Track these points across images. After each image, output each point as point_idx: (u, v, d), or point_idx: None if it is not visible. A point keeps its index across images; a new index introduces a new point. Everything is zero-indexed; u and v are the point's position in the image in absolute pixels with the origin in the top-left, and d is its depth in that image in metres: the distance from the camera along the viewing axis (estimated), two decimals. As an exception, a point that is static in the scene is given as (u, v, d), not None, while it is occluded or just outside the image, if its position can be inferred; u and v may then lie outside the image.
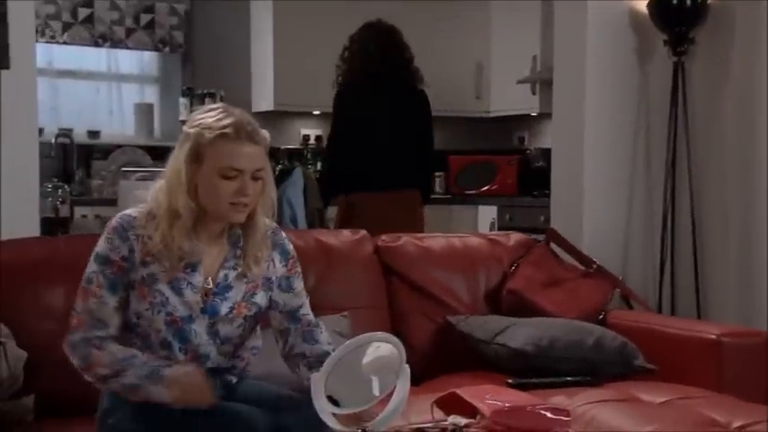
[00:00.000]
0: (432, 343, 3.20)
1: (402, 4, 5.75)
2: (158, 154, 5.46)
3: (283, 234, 2.35)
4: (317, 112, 6.22)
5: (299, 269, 2.35)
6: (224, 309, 2.22)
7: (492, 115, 6.55)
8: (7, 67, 3.33)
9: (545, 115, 5.86)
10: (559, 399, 2.61)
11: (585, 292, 3.41)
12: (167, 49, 6.18)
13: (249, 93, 6.14)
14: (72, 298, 2.19)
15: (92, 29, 5.92)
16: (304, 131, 6.36)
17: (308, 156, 6.23)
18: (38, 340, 2.52)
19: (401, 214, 4.46)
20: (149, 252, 2.15)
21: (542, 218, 5.19)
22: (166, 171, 2.19)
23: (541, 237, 3.74)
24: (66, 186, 5.07)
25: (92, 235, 2.40)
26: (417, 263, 3.32)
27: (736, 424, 2.46)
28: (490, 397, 2.27)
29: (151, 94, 6.32)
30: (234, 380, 2.29)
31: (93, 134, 5.93)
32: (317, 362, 2.19)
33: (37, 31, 4.60)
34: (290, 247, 2.35)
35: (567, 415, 2.26)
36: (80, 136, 5.86)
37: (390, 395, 2.03)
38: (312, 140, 6.33)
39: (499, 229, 5.64)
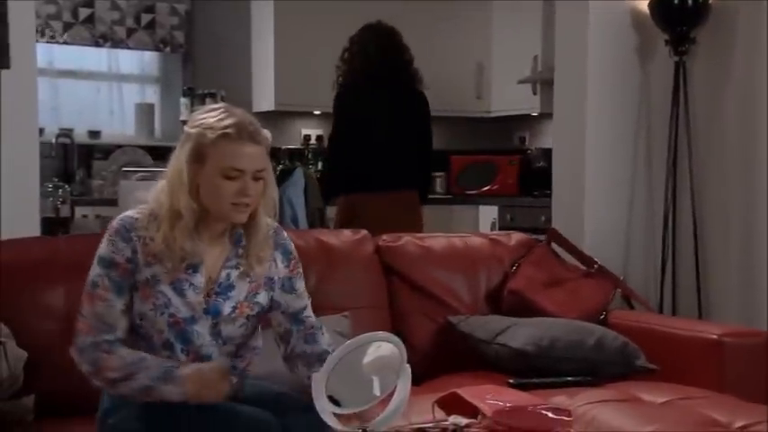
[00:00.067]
0: (432, 343, 3.19)
1: (403, 4, 5.75)
2: (159, 154, 5.46)
3: (285, 234, 2.35)
4: (317, 112, 6.21)
5: (300, 269, 2.35)
6: (226, 308, 2.21)
7: (493, 115, 6.54)
8: (8, 67, 3.33)
9: (546, 115, 5.85)
10: (560, 399, 2.61)
11: (586, 292, 3.41)
12: (168, 49, 6.17)
13: (250, 93, 6.14)
14: (72, 298, 2.19)
15: (92, 29, 5.91)
16: (305, 131, 6.35)
17: (309, 156, 6.21)
18: (38, 340, 2.51)
19: (401, 214, 4.46)
20: (151, 253, 2.15)
21: (543, 218, 5.18)
22: (168, 171, 2.18)
23: (542, 237, 3.74)
24: (66, 186, 5.07)
25: (92, 235, 2.40)
26: (418, 263, 3.31)
27: (738, 424, 2.46)
28: (491, 397, 2.27)
29: (152, 94, 6.31)
30: (235, 380, 2.29)
31: (94, 134, 5.93)
32: (317, 361, 2.19)
33: (37, 30, 4.59)
34: (292, 247, 2.35)
35: (569, 415, 2.26)
36: (81, 136, 5.86)
37: (391, 395, 2.03)
38: (313, 140, 6.33)
39: (500, 229, 5.64)
